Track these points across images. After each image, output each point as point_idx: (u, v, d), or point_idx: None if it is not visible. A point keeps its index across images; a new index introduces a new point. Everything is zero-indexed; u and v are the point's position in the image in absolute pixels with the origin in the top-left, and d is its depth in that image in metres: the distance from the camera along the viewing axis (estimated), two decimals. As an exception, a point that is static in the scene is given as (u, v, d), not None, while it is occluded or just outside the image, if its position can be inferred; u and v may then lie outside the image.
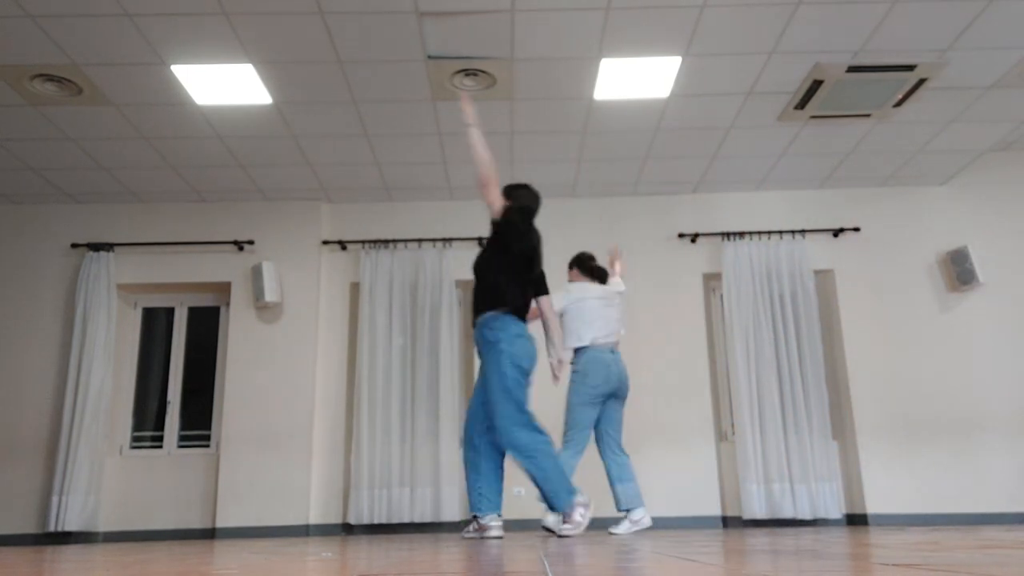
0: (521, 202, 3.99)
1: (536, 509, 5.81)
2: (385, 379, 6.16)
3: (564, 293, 4.71)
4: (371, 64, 4.69)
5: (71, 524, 5.76)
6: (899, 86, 5.03)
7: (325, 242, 6.49)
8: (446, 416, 6.06)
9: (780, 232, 6.43)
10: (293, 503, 5.95)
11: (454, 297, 6.38)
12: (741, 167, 6.19)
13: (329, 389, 6.28)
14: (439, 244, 6.48)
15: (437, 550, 2.69)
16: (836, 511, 5.87)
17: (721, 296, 6.58)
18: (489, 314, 3.82)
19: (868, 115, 5.42)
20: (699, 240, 6.52)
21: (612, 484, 4.58)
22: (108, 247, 6.36)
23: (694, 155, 5.97)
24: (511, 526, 5.89)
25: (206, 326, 6.64)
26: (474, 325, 3.92)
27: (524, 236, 3.89)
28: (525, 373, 3.78)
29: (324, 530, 5.98)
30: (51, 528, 5.76)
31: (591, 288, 4.74)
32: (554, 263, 6.45)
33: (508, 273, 3.85)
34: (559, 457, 4.02)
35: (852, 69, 4.83)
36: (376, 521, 5.88)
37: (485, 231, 6.52)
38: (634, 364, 6.21)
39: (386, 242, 6.44)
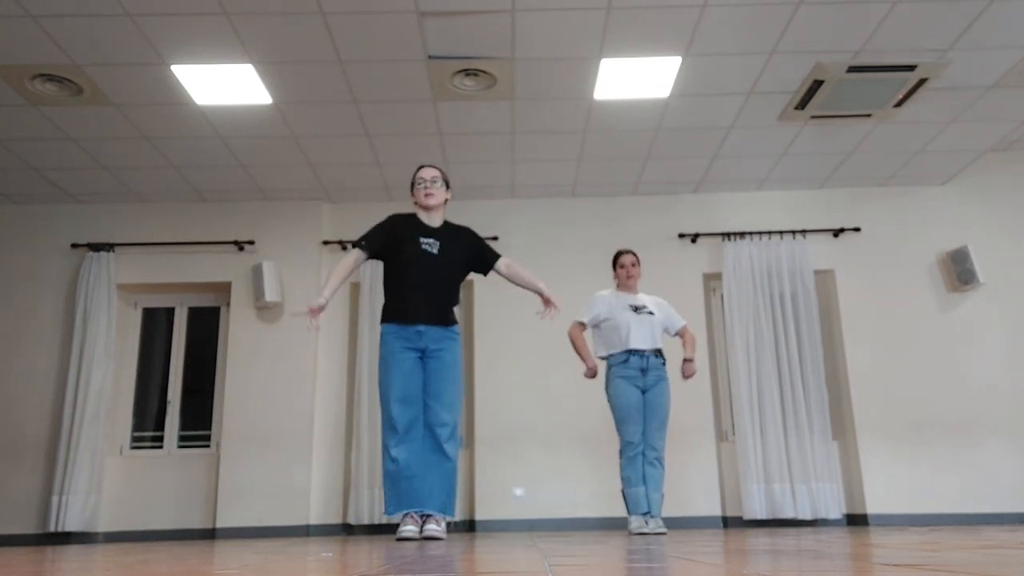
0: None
1: (534, 509, 5.82)
2: (385, 379, 6.14)
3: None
4: (371, 64, 4.69)
5: (71, 524, 5.75)
6: (900, 86, 5.03)
7: (325, 242, 6.48)
8: (446, 416, 6.04)
9: (780, 232, 6.43)
10: (293, 503, 5.95)
11: (454, 297, 6.37)
12: (742, 167, 6.19)
13: (329, 389, 6.28)
14: (439, 244, 6.46)
15: (438, 550, 2.69)
16: (836, 511, 5.87)
17: (721, 296, 6.57)
18: None
19: (869, 115, 5.42)
20: (699, 240, 6.52)
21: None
22: (108, 247, 6.36)
23: (694, 155, 5.97)
24: (511, 526, 5.89)
25: (206, 326, 6.63)
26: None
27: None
28: None
29: (324, 530, 5.97)
30: (51, 528, 5.76)
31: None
32: (555, 262, 6.45)
33: None
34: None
35: (853, 69, 4.82)
36: (376, 521, 5.88)
37: (485, 231, 6.52)
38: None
39: (386, 242, 6.43)
